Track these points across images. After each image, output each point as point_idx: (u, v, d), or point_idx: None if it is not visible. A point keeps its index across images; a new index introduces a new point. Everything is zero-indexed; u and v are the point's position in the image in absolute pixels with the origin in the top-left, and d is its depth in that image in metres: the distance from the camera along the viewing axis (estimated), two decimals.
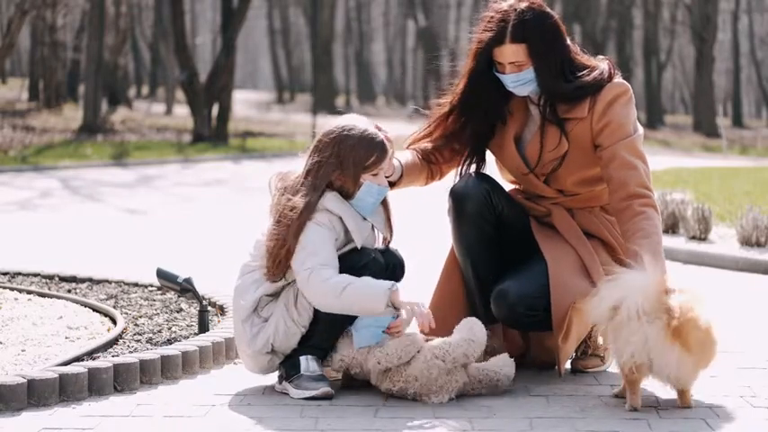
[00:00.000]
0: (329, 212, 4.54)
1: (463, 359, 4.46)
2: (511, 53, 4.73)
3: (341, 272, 4.49)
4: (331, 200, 4.56)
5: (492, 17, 4.77)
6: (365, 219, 4.65)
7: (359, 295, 4.42)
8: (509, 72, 4.76)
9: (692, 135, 38.04)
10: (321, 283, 4.44)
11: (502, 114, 4.92)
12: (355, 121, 4.65)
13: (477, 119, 4.91)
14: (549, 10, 4.79)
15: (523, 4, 4.76)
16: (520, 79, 4.76)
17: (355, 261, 4.56)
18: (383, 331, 4.51)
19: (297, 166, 4.69)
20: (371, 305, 4.44)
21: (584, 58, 4.85)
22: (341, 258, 4.55)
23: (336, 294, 4.41)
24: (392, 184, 4.83)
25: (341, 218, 4.56)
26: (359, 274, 4.48)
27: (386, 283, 4.45)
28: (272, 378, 4.72)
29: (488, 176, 4.89)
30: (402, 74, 62.30)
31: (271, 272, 4.55)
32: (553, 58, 4.75)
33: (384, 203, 4.75)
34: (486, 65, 4.80)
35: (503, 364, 4.57)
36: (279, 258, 4.52)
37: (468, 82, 4.86)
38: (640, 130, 4.82)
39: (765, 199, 12.14)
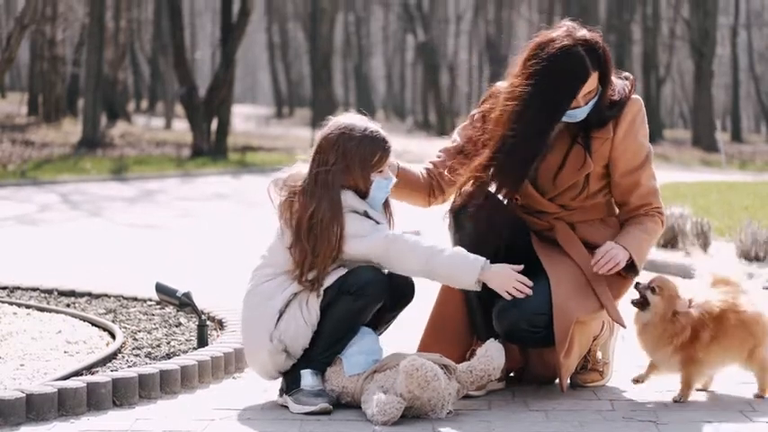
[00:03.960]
0: (354, 208, 4.57)
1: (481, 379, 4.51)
2: (591, 83, 4.68)
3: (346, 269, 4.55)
4: (352, 198, 4.58)
5: (558, 53, 4.60)
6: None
7: (452, 264, 4.50)
8: (584, 104, 4.69)
9: (691, 149, 38.01)
10: (412, 246, 4.50)
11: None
12: (354, 121, 4.67)
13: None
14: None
15: (581, 32, 4.68)
16: (587, 107, 4.72)
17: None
18: (374, 360, 4.54)
19: (292, 170, 4.67)
20: (462, 277, 4.52)
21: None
22: None
23: (428, 259, 4.49)
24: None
25: (366, 212, 4.58)
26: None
27: (479, 260, 4.51)
28: (272, 392, 4.72)
29: (488, 192, 4.85)
30: (401, 88, 62.31)
31: (303, 275, 4.55)
32: (610, 80, 4.74)
33: (385, 201, 4.76)
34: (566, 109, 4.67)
35: (491, 357, 4.50)
36: (314, 262, 4.52)
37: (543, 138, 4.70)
38: (650, 146, 4.85)
39: (764, 213, 12.13)
